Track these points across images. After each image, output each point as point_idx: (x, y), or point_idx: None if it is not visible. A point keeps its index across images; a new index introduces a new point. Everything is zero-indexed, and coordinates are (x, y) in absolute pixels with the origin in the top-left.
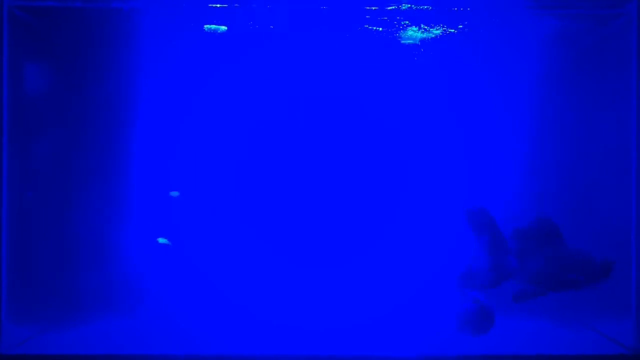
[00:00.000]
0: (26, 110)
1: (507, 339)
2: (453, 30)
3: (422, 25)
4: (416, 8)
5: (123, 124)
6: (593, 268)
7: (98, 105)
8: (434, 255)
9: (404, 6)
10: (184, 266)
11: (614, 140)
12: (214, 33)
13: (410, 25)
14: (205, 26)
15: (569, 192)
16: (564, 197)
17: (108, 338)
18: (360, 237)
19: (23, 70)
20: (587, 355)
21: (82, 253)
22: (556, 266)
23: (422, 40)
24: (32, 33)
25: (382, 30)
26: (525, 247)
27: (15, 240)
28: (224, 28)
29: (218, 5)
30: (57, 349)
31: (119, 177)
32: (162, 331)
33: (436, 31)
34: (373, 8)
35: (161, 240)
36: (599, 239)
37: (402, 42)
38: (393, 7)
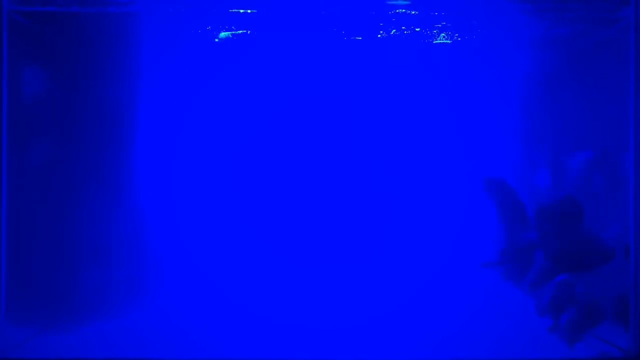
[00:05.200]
0: (26, 113)
1: (504, 342)
2: (448, 36)
3: (416, 29)
4: (411, 12)
5: (123, 126)
6: (605, 251)
7: (98, 107)
8: (435, 259)
9: (400, 10)
10: (184, 267)
11: (612, 143)
12: (212, 38)
13: (406, 29)
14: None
15: (565, 195)
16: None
17: (107, 341)
18: (363, 237)
19: (23, 75)
20: (584, 358)
21: (81, 254)
22: (576, 249)
23: (418, 44)
24: (32, 38)
25: (380, 33)
26: (549, 225)
27: (13, 241)
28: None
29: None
30: (55, 352)
31: (119, 178)
32: (163, 334)
33: (431, 35)
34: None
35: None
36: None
37: (397, 45)
38: (392, 12)
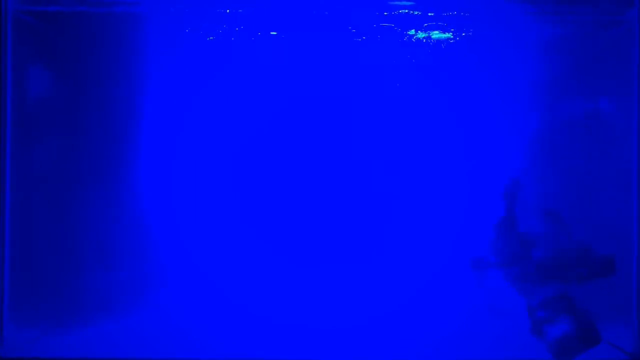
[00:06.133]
0: (30, 113)
1: (506, 344)
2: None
3: (419, 30)
4: (413, 13)
5: (127, 127)
6: (595, 262)
7: (102, 108)
8: (437, 255)
9: (402, 11)
10: (187, 268)
11: (615, 146)
12: (216, 38)
13: (408, 30)
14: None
15: (568, 198)
16: (564, 202)
17: (111, 341)
18: (363, 238)
19: (28, 75)
20: None
21: (85, 255)
22: (561, 258)
23: (420, 46)
24: (38, 37)
25: (378, 35)
26: (532, 235)
27: (17, 242)
28: None
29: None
30: (59, 352)
31: (122, 179)
32: (166, 334)
33: (435, 36)
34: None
35: None
36: (600, 245)
37: (398, 46)
38: (395, 13)
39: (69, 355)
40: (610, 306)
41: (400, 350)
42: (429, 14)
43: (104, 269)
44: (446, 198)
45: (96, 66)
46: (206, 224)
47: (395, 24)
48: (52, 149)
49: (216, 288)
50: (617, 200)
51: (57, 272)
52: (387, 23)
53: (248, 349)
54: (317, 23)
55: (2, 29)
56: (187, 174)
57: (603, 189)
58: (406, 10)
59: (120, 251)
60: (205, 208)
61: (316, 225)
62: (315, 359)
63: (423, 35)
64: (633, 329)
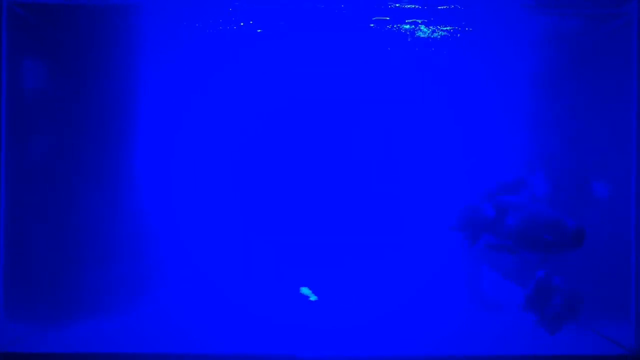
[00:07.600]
0: (25, 108)
1: (507, 339)
2: (451, 28)
3: (419, 24)
4: (412, 7)
5: (124, 122)
6: (565, 233)
7: (98, 103)
8: (434, 254)
9: (397, 5)
10: (183, 265)
11: (613, 139)
12: (214, 32)
13: (407, 24)
14: None
15: (567, 193)
16: (562, 198)
17: (105, 336)
18: (361, 237)
19: (22, 68)
20: (587, 355)
21: (81, 251)
22: (530, 224)
23: (420, 39)
24: (32, 31)
25: (377, 29)
26: (506, 204)
27: (13, 238)
28: None
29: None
30: (54, 347)
31: (119, 176)
32: (160, 330)
33: (435, 30)
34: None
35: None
36: (598, 241)
37: (398, 41)
38: (392, 6)
39: (65, 351)
40: (609, 302)
41: (400, 347)
42: (427, 8)
43: (102, 265)
44: (445, 194)
45: (93, 59)
46: (205, 222)
47: (391, 18)
48: (48, 143)
49: (214, 285)
50: (617, 195)
51: (54, 269)
52: (384, 16)
53: (247, 345)
54: (315, 18)
55: None
56: (187, 172)
57: (602, 184)
58: (400, 4)
59: (118, 248)
60: (204, 206)
61: (315, 221)
62: (314, 355)
63: (421, 29)
64: (631, 324)
